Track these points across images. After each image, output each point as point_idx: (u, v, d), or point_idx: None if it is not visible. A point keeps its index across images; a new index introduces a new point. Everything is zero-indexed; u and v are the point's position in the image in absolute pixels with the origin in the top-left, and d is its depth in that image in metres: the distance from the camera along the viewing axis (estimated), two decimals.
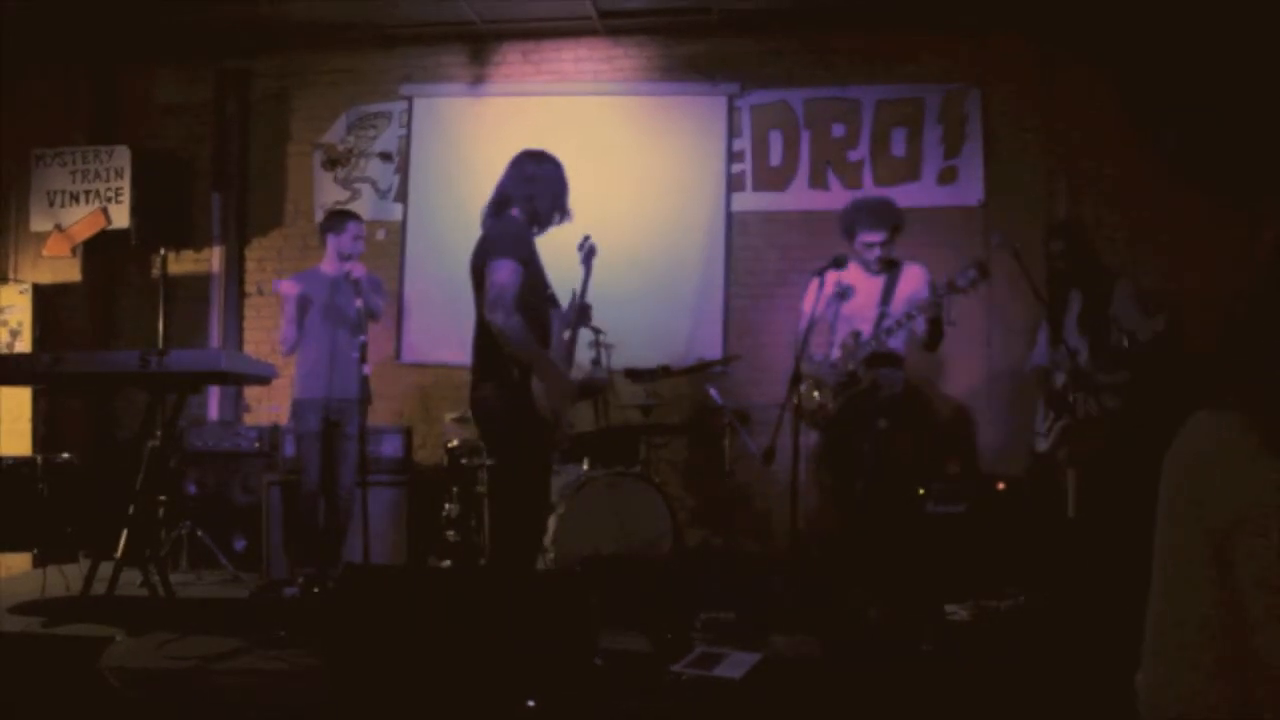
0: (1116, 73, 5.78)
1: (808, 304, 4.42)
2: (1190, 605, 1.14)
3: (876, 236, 4.61)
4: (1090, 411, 4.64)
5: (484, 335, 3.58)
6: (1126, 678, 1.23)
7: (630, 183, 6.32)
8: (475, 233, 3.76)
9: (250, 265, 6.70)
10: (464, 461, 5.30)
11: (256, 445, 5.82)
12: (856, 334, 4.58)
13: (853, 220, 4.68)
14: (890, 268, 4.70)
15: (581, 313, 3.97)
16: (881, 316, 4.58)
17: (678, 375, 5.66)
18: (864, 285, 4.68)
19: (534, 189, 3.66)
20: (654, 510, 4.87)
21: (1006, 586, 4.41)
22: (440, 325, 6.40)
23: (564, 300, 3.92)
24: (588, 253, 4.09)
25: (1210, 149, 5.40)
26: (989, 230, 5.75)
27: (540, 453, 3.62)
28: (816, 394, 4.63)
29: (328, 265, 5.22)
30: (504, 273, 3.50)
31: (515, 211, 3.68)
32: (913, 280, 4.65)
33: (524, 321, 3.46)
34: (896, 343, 4.63)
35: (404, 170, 6.60)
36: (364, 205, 6.55)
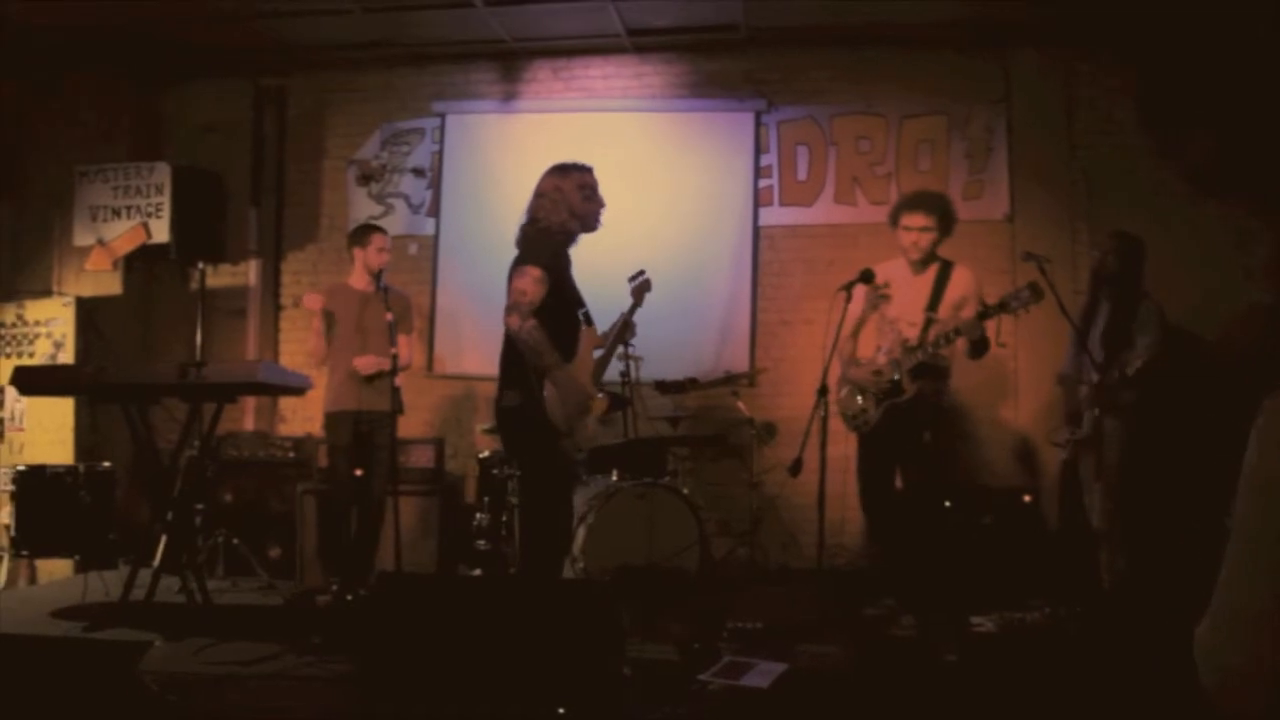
0: (1139, 85, 5.78)
1: (835, 315, 4.34)
2: (1265, 571, 1.20)
3: (918, 219, 4.48)
4: (1105, 426, 4.59)
5: (510, 345, 3.60)
6: (1149, 687, 1.27)
7: (658, 198, 6.33)
8: (506, 246, 3.77)
9: (286, 278, 6.74)
10: (494, 472, 5.31)
11: (291, 455, 5.84)
12: (904, 341, 4.49)
13: (898, 206, 4.59)
14: (939, 266, 4.56)
15: (624, 331, 4.10)
16: (928, 323, 4.47)
17: (705, 388, 5.65)
18: (908, 284, 4.55)
19: (544, 201, 3.69)
20: (682, 521, 4.86)
21: (1032, 598, 4.39)
22: (471, 338, 6.41)
23: (602, 322, 3.97)
24: (640, 285, 4.20)
25: (1233, 160, 5.38)
26: (1016, 243, 5.74)
27: (555, 461, 3.61)
28: (859, 399, 4.56)
29: (356, 279, 5.22)
30: (524, 279, 3.51)
31: (545, 226, 3.72)
32: (962, 284, 4.53)
33: (541, 329, 3.46)
34: (944, 352, 4.56)
35: (436, 185, 6.63)
36: (397, 220, 6.58)
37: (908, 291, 4.54)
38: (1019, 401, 6.01)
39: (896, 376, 4.43)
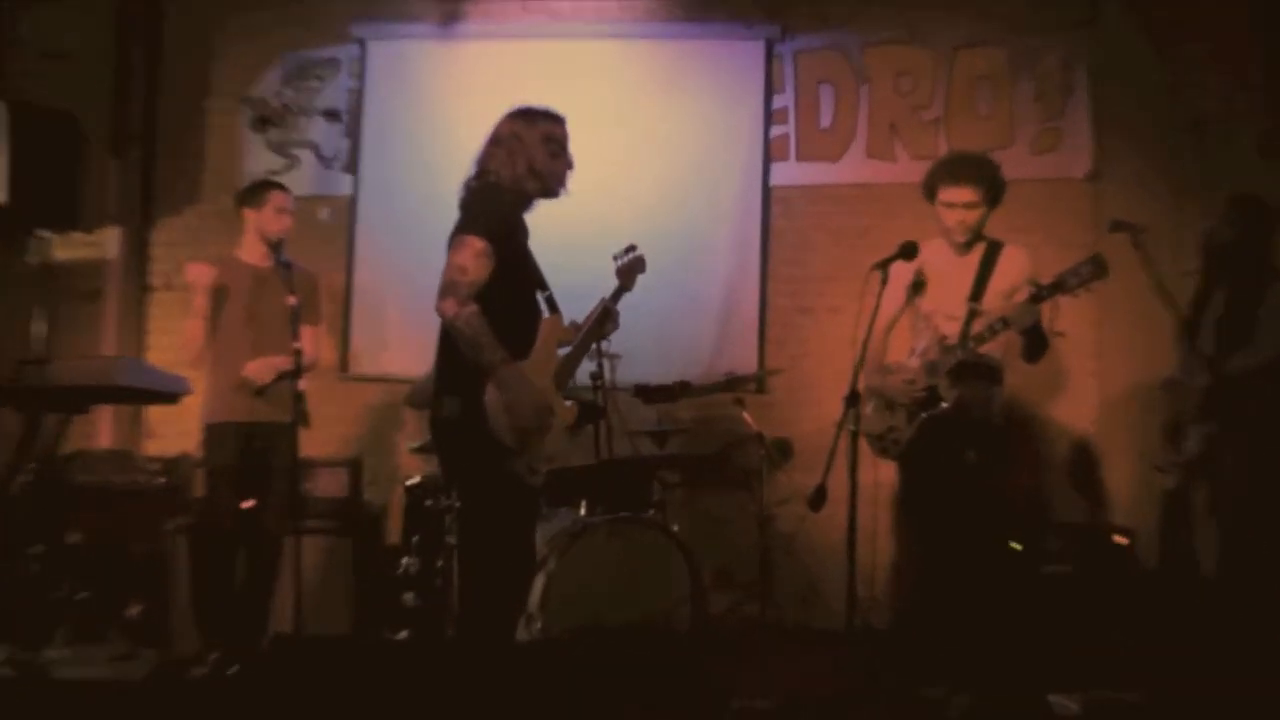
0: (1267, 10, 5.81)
1: (868, 302, 4.29)
2: None
3: (962, 193, 4.55)
4: (1223, 445, 4.57)
5: (449, 338, 3.63)
6: None
7: (641, 151, 6.35)
8: (445, 212, 3.78)
9: (157, 251, 6.68)
10: (428, 503, 5.31)
11: (160, 481, 5.75)
12: (942, 339, 4.55)
13: (935, 173, 4.68)
14: (984, 248, 4.65)
15: (602, 322, 4.16)
16: (971, 315, 4.54)
17: (701, 394, 5.64)
18: (948, 269, 4.64)
19: (499, 150, 3.74)
20: (670, 567, 4.89)
21: (1128, 671, 4.35)
22: (399, 329, 6.42)
23: (575, 310, 4.04)
24: (630, 265, 4.31)
25: None
26: (1100, 210, 5.76)
27: (503, 488, 3.64)
28: (887, 414, 4.63)
29: (248, 252, 5.21)
30: (463, 252, 3.54)
31: (495, 181, 3.74)
32: (1013, 268, 4.60)
33: (483, 317, 3.50)
34: (993, 348, 4.58)
35: (354, 133, 6.63)
36: (303, 176, 6.57)
37: (947, 279, 4.63)
38: (1102, 412, 6.04)
39: (933, 383, 4.50)
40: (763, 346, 6.30)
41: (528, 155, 3.72)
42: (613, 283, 4.33)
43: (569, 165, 3.81)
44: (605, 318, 4.24)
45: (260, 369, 5.00)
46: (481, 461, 3.60)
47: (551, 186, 3.79)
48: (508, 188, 3.72)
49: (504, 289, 3.61)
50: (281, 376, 4.94)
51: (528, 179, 3.73)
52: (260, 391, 5.01)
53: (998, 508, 4.66)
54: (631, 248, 4.37)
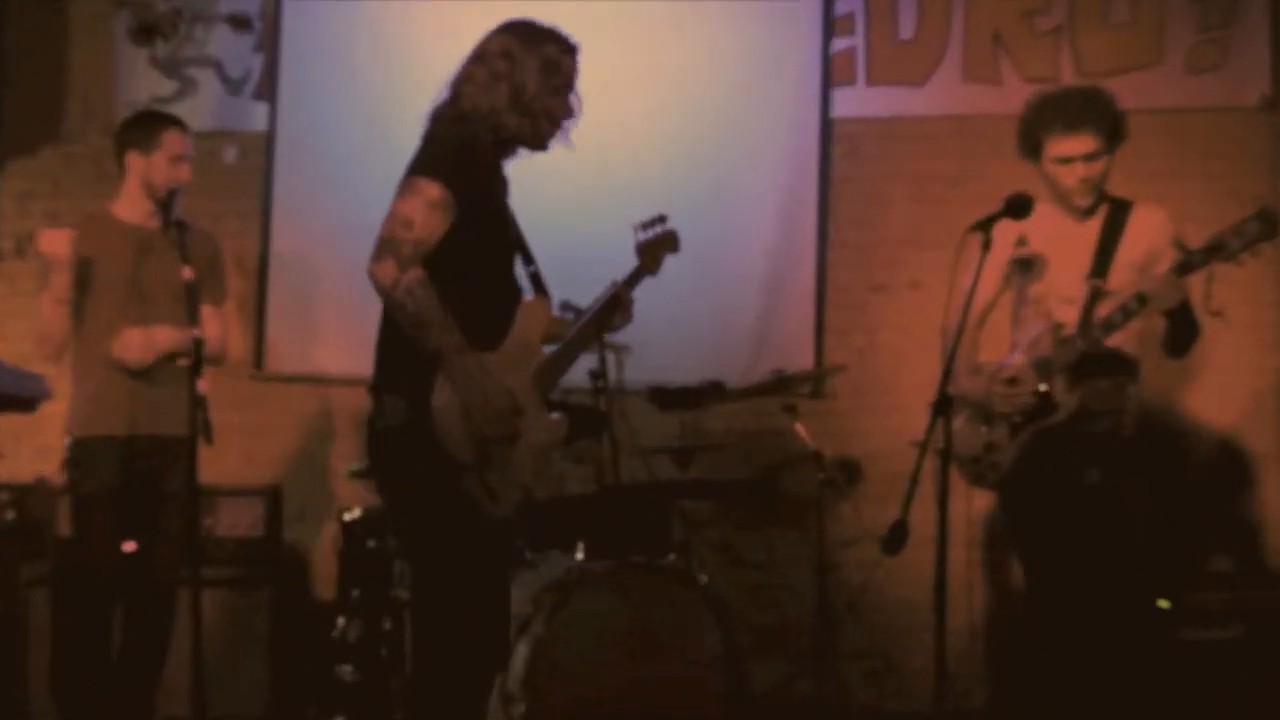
0: None
1: (964, 277, 4.34)
2: None
3: (1079, 144, 4.54)
4: None
5: (390, 320, 3.66)
6: None
7: (659, 79, 6.37)
8: (394, 154, 3.78)
9: (5, 205, 6.70)
10: (371, 544, 5.36)
11: (8, 516, 5.72)
12: (1057, 328, 4.56)
13: (1037, 122, 4.67)
14: (1108, 209, 4.67)
15: (609, 310, 4.14)
16: (1095, 296, 4.55)
17: (738, 399, 5.67)
18: (1063, 241, 4.66)
19: (480, 70, 3.76)
20: (697, 631, 4.87)
21: None
22: (333, 313, 6.42)
23: (579, 294, 4.11)
24: (656, 242, 4.31)
25: None
26: None
27: (458, 519, 3.63)
28: (983, 429, 4.65)
29: (128, 208, 5.18)
30: (411, 199, 3.54)
31: (469, 111, 3.75)
32: (1149, 231, 4.62)
33: (430, 287, 3.49)
34: (1124, 340, 4.58)
35: (271, 47, 6.62)
36: (202, 105, 6.55)
37: (1060, 251, 4.65)
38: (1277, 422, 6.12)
39: (1045, 386, 4.51)
40: (820, 336, 6.30)
41: (516, 83, 3.73)
42: (630, 260, 4.33)
43: (570, 111, 3.84)
44: (614, 307, 4.20)
45: (135, 343, 4.98)
46: (426, 482, 3.61)
47: (542, 131, 3.81)
48: (483, 123, 3.74)
49: (466, 256, 3.62)
50: (171, 358, 4.95)
51: (508, 113, 3.73)
52: (145, 383, 5.00)
53: (1133, 549, 4.65)
54: (660, 219, 4.35)
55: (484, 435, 3.57)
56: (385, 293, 3.49)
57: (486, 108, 3.71)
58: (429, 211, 3.51)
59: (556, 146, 3.87)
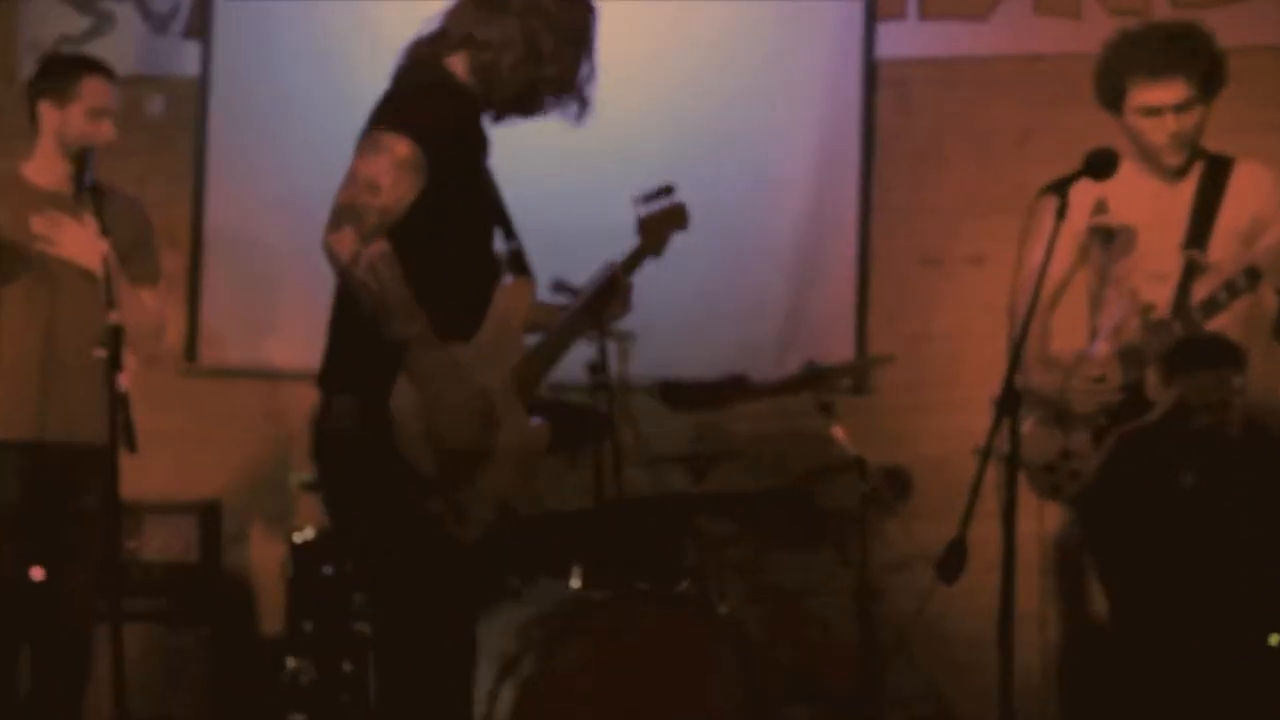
0: None
1: (1035, 250, 4.14)
2: None
3: (1168, 93, 4.34)
4: None
5: (345, 302, 3.52)
6: None
7: (672, 21, 6.19)
8: (355, 104, 3.64)
9: None
10: (326, 570, 5.38)
11: None
12: (1146, 310, 4.37)
13: (1117, 65, 4.49)
14: (1203, 168, 4.50)
15: (604, 296, 4.01)
16: (1191, 270, 4.39)
17: (764, 396, 5.62)
18: (1152, 207, 4.51)
19: (491, 15, 3.60)
20: (715, 670, 4.68)
21: None
22: (279, 294, 6.29)
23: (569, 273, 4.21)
24: (662, 216, 4.18)
25: None
26: None
27: (413, 541, 3.50)
28: (1058, 432, 4.49)
29: (39, 167, 4.91)
30: (375, 159, 3.38)
31: (455, 64, 3.61)
32: (1255, 194, 4.46)
33: (397, 265, 3.35)
34: (1227, 324, 4.40)
35: None
36: (120, 46, 6.27)
37: (1149, 219, 4.52)
38: None
39: (1134, 379, 4.37)
40: (863, 320, 6.14)
41: (529, 25, 3.58)
42: (630, 238, 4.18)
43: (584, 76, 3.67)
44: (610, 292, 4.06)
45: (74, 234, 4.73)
46: (381, 498, 3.47)
47: (542, 91, 3.64)
48: (475, 78, 3.61)
49: (437, 227, 3.47)
50: (84, 348, 4.61)
51: (509, 59, 3.58)
52: (56, 371, 4.74)
53: (1239, 571, 4.48)
54: (666, 189, 4.19)
55: (451, 445, 3.44)
56: (343, 269, 3.34)
57: (483, 48, 3.58)
58: (397, 173, 3.37)
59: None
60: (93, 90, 4.83)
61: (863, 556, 5.32)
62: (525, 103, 3.67)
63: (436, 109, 3.51)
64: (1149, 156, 4.43)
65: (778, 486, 5.85)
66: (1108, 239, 4.50)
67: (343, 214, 3.31)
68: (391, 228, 3.36)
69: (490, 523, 3.54)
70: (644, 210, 4.18)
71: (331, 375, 3.56)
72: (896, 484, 5.72)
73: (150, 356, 4.99)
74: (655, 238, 4.15)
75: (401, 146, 3.35)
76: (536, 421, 3.74)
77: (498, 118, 3.69)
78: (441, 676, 3.58)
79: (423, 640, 3.53)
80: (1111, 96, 4.47)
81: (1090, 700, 5.46)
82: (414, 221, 3.39)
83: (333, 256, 3.33)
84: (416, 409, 3.39)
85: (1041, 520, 4.55)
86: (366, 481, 3.49)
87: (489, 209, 3.72)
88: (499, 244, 3.79)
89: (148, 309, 4.92)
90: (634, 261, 4.08)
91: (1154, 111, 4.34)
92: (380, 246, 3.31)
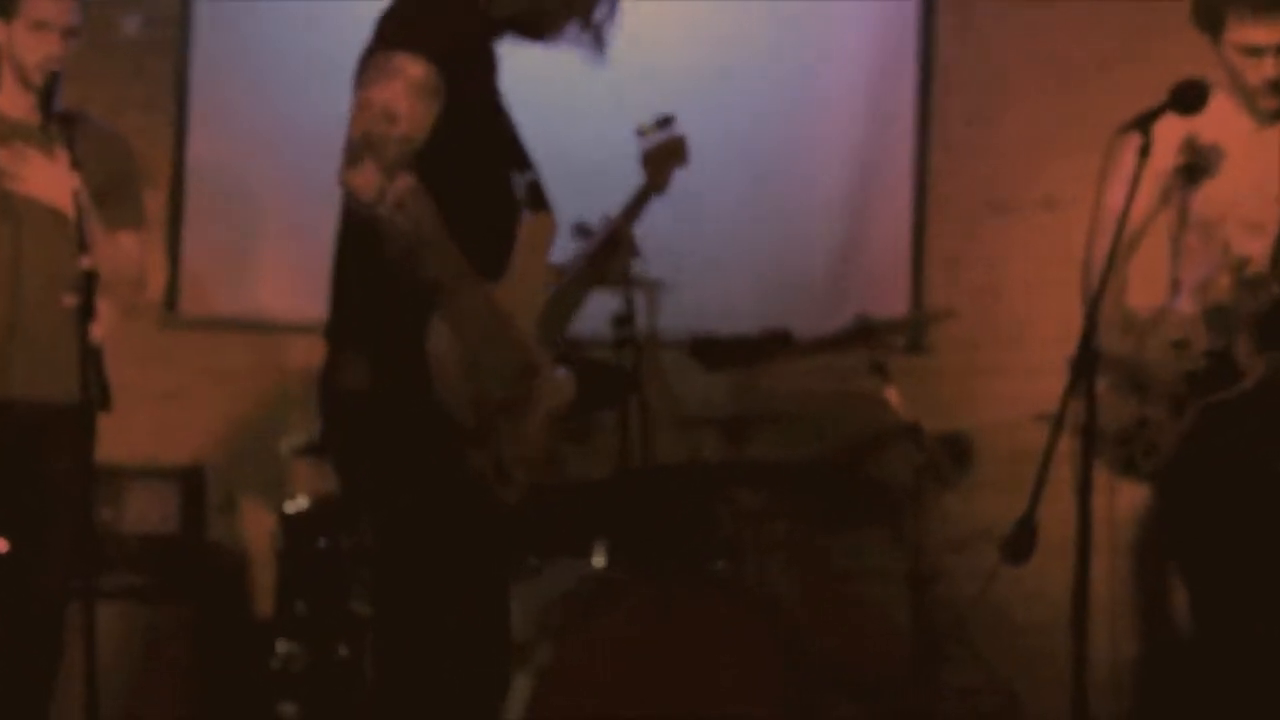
0: None
1: (1115, 193, 4.04)
2: None
3: (1272, 33, 4.24)
4: None
5: (351, 251, 3.46)
6: None
7: None
8: (355, 22, 3.57)
9: None
10: (322, 544, 5.34)
11: None
12: (1239, 265, 4.28)
13: None
14: None
15: (615, 242, 4.15)
16: None
17: (810, 354, 5.64)
18: (1247, 148, 4.40)
19: None
20: (753, 657, 4.66)
21: None
22: (270, 236, 6.26)
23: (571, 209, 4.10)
24: (658, 153, 4.25)
25: None
26: None
27: (454, 502, 3.42)
28: (1134, 400, 4.41)
29: (8, 98, 4.74)
30: (390, 82, 3.29)
31: None
32: None
33: (427, 200, 3.25)
34: None
35: None
36: None
37: (1243, 161, 4.42)
38: None
39: (1221, 343, 4.28)
40: (919, 272, 6.12)
41: None
42: (636, 175, 4.27)
43: (610, 5, 3.60)
44: (612, 248, 4.24)
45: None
46: (417, 461, 3.39)
47: (564, 11, 3.55)
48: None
49: (455, 157, 3.40)
50: (53, 296, 4.56)
51: None
52: (11, 319, 4.65)
53: None
54: (666, 120, 4.34)
55: (496, 397, 3.42)
56: (368, 208, 3.24)
57: None
58: (414, 98, 3.30)
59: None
60: (38, 3, 4.65)
61: (917, 534, 5.34)
62: (533, 22, 3.60)
63: (450, 25, 3.44)
64: (1245, 97, 4.35)
65: (824, 455, 5.86)
66: (1194, 176, 4.40)
67: (360, 147, 3.22)
68: (419, 161, 3.29)
69: (526, 485, 3.49)
70: (646, 144, 4.30)
71: (343, 327, 3.47)
72: (956, 453, 5.57)
73: (128, 306, 4.93)
74: (659, 174, 4.24)
75: (416, 68, 3.27)
76: (562, 373, 3.73)
77: (504, 35, 3.59)
78: (464, 661, 3.51)
79: (452, 615, 3.43)
80: (1211, 20, 4.33)
81: (1168, 694, 5.48)
82: (429, 152, 3.31)
83: (356, 196, 3.24)
84: (455, 355, 3.33)
85: (1113, 497, 4.33)
86: (391, 442, 3.40)
87: (505, 141, 3.64)
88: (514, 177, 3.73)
89: (128, 255, 4.82)
90: (636, 205, 4.18)
91: (1254, 51, 4.24)
92: (407, 180, 3.22)
